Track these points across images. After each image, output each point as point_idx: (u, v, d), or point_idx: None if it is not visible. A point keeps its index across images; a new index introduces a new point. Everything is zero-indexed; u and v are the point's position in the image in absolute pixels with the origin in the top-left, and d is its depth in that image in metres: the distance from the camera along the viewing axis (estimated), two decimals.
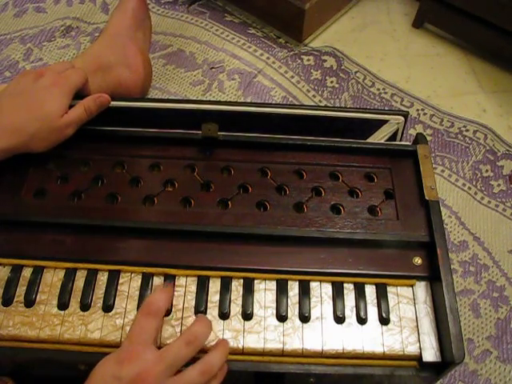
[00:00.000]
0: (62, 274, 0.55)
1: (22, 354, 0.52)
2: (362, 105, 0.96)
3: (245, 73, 0.98)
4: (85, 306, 0.54)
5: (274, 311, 0.54)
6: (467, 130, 0.94)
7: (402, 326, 0.54)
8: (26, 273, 0.55)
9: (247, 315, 0.54)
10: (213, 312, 0.54)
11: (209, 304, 0.54)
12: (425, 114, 0.96)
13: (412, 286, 0.56)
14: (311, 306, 0.55)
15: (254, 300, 0.55)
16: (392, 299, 0.55)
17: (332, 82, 0.99)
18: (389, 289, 0.56)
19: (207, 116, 0.65)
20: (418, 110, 0.96)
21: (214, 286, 0.55)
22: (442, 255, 0.56)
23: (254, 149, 0.64)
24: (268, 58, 1.00)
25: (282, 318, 0.54)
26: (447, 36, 1.08)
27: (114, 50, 0.84)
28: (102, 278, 0.55)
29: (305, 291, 0.55)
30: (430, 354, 0.53)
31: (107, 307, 0.54)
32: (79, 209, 0.59)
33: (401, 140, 0.70)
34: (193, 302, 0.54)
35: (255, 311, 0.54)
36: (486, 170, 0.90)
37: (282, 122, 0.68)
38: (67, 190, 0.60)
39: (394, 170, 0.64)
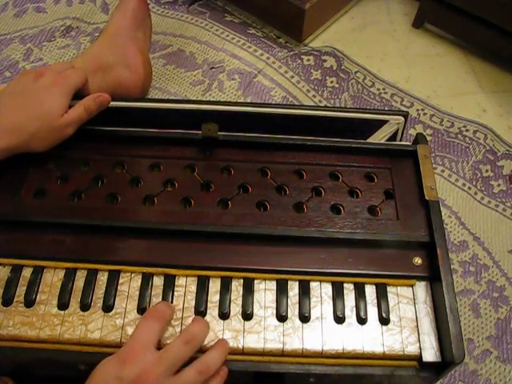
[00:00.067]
0: (61, 274, 0.55)
1: (22, 354, 0.52)
2: (362, 105, 0.96)
3: (245, 73, 0.98)
4: (85, 306, 0.54)
5: (274, 311, 0.54)
6: (467, 130, 0.94)
7: (402, 326, 0.54)
8: (26, 273, 0.55)
9: (247, 315, 0.54)
10: (213, 312, 0.54)
11: (209, 304, 0.54)
12: (425, 114, 0.96)
13: (412, 286, 0.56)
14: (311, 306, 0.55)
15: (254, 300, 0.55)
16: (392, 299, 0.55)
17: (332, 82, 0.99)
18: (389, 289, 0.56)
19: (207, 116, 0.65)
20: (417, 110, 0.96)
21: (214, 286, 0.55)
22: (442, 255, 0.56)
23: (254, 149, 0.64)
24: (268, 58, 1.00)
25: (281, 318, 0.54)
26: (447, 36, 1.08)
27: (113, 50, 0.84)
28: (102, 278, 0.55)
29: (305, 291, 0.55)
30: (430, 354, 0.53)
31: (107, 307, 0.54)
32: (79, 209, 0.59)
33: (401, 140, 0.70)
34: (193, 302, 0.54)
35: (255, 311, 0.54)
36: (486, 170, 0.90)
37: (282, 122, 0.68)
38: (67, 189, 0.60)
39: (394, 170, 0.64)
